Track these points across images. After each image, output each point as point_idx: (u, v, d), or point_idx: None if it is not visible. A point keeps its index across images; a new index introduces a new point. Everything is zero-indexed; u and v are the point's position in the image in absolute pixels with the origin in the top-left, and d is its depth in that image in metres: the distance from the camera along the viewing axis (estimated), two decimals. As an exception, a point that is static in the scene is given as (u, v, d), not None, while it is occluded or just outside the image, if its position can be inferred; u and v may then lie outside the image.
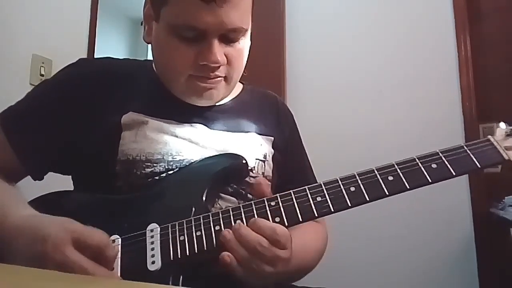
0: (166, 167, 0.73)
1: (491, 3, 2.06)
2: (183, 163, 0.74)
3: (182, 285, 0.59)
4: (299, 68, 2.26)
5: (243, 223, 0.61)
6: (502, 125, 0.67)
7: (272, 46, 2.22)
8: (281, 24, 2.29)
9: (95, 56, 1.86)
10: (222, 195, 0.74)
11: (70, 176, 0.84)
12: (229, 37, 0.73)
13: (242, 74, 0.83)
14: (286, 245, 0.60)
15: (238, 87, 0.90)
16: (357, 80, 2.14)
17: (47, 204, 0.71)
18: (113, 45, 3.54)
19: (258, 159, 0.80)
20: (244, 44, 0.78)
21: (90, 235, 0.55)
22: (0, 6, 1.56)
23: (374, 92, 2.10)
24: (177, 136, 0.76)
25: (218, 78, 0.76)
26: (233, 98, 0.87)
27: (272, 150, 0.84)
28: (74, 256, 0.52)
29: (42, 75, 1.67)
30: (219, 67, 0.74)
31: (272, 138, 0.86)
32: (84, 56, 1.83)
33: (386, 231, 1.94)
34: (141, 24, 0.83)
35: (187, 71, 0.74)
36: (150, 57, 0.85)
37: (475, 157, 0.62)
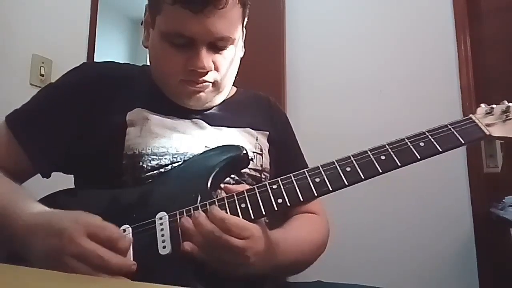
0: (171, 159, 0.76)
1: (491, 3, 2.06)
2: (187, 155, 0.77)
3: (194, 272, 0.62)
4: (299, 68, 2.26)
5: (248, 207, 0.65)
6: (483, 105, 0.74)
7: (272, 46, 2.22)
8: (281, 24, 2.29)
9: (95, 56, 1.88)
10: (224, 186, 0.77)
11: (71, 176, 0.85)
12: (217, 45, 0.78)
13: (236, 77, 0.88)
14: (241, 235, 0.62)
15: (232, 90, 0.95)
16: (357, 80, 2.14)
17: (56, 201, 0.73)
18: (113, 45, 3.54)
19: (255, 152, 0.85)
20: (234, 52, 0.82)
21: (102, 228, 0.58)
22: (0, 6, 1.56)
23: (374, 92, 2.10)
24: (179, 131, 0.80)
25: (206, 83, 0.80)
26: (228, 99, 0.91)
27: (268, 144, 0.89)
28: (90, 246, 0.55)
29: (42, 75, 1.67)
30: (206, 73, 0.78)
31: (267, 132, 0.91)
32: (84, 56, 1.85)
33: (386, 230, 1.94)
34: (141, 24, 0.87)
35: (177, 75, 0.79)
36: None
37: (458, 134, 0.67)
